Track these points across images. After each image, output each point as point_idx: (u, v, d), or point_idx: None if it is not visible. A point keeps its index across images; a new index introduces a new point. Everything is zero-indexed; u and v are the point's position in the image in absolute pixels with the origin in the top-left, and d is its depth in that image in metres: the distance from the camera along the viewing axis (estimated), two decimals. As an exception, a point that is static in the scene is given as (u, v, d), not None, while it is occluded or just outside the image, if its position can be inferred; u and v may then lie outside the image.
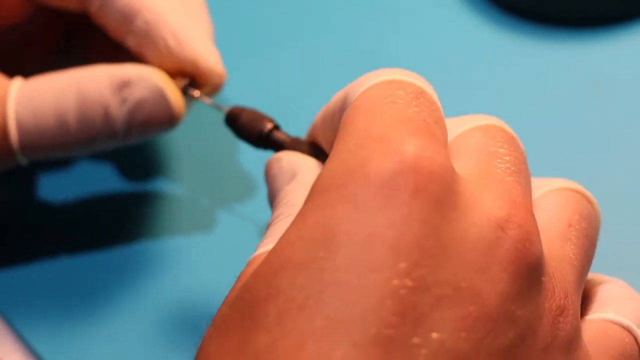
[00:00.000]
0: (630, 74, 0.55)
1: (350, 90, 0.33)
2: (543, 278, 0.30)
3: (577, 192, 0.35)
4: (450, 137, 0.33)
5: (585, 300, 0.34)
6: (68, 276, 0.51)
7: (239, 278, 0.31)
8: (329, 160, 0.30)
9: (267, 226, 0.34)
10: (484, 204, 0.29)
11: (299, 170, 0.37)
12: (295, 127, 0.55)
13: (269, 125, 0.42)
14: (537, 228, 0.30)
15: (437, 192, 0.28)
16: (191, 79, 0.45)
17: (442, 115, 0.32)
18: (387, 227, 0.28)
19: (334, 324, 0.27)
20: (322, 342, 0.26)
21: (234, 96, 0.57)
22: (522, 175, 0.32)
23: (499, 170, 0.31)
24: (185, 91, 0.45)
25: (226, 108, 0.43)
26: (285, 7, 0.61)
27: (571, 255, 0.32)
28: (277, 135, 0.42)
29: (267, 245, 0.32)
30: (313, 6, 0.60)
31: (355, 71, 0.57)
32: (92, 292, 0.50)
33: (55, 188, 0.54)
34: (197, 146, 0.55)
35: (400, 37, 0.58)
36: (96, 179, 0.54)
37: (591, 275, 0.35)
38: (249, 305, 0.28)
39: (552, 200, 0.34)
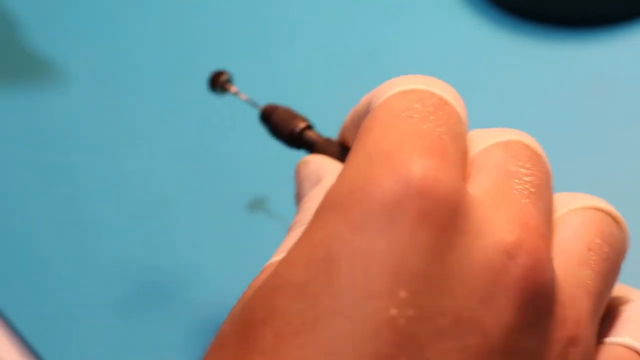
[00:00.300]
0: (630, 74, 0.55)
1: (374, 96, 0.32)
2: (553, 307, 0.29)
3: (603, 211, 0.33)
4: (474, 151, 0.32)
5: (608, 320, 0.33)
6: (68, 276, 0.51)
7: (249, 286, 0.31)
8: (339, 176, 0.29)
9: (288, 230, 0.34)
10: (494, 228, 0.28)
11: (324, 175, 0.36)
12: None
13: (301, 125, 0.41)
14: (548, 255, 0.29)
15: (443, 217, 0.27)
16: (229, 75, 0.45)
17: (464, 129, 0.31)
18: (388, 254, 0.27)
19: (327, 353, 0.26)
20: None
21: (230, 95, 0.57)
22: (541, 196, 0.31)
23: (515, 192, 0.30)
24: (223, 86, 0.45)
25: (261, 105, 0.43)
26: (285, 7, 0.61)
27: (588, 281, 0.31)
28: (309, 135, 0.41)
29: (281, 254, 0.32)
30: (313, 6, 0.60)
31: (355, 71, 0.57)
32: (92, 293, 0.50)
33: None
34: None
35: (400, 37, 0.58)
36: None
37: (621, 288, 0.34)
38: (247, 325, 0.28)
39: (574, 221, 0.32)
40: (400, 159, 0.28)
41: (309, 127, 0.41)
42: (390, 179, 0.28)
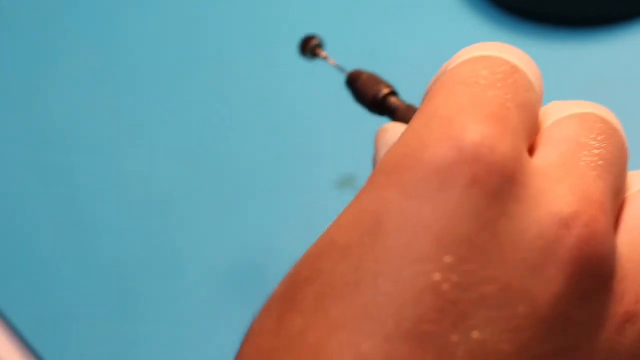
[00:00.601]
0: (630, 74, 0.55)
1: (449, 63, 0.32)
2: (611, 281, 0.28)
3: None
4: (549, 122, 0.31)
5: None
6: (68, 276, 0.51)
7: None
8: (397, 140, 0.29)
9: None
10: (553, 199, 0.28)
11: None
12: (294, 125, 0.55)
13: (385, 91, 0.40)
14: (608, 229, 0.28)
15: (496, 185, 0.27)
16: (320, 41, 0.45)
17: (535, 98, 0.31)
18: (436, 218, 0.27)
19: (367, 315, 0.26)
20: (353, 333, 0.26)
21: (234, 94, 0.57)
22: (610, 171, 0.30)
23: (582, 164, 0.29)
24: (313, 51, 0.45)
25: (348, 71, 0.42)
26: (284, 8, 0.61)
27: None
28: (392, 101, 0.39)
29: None
30: (313, 6, 0.60)
31: (355, 71, 0.57)
32: (93, 293, 0.50)
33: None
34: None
35: (400, 37, 0.58)
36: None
37: None
38: (293, 285, 0.28)
39: None
40: (457, 125, 0.28)
41: (393, 93, 0.40)
42: (444, 145, 0.27)
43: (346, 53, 0.58)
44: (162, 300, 0.49)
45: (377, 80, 0.41)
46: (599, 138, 0.30)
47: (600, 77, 0.55)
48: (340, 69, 0.42)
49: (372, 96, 0.40)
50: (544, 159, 0.29)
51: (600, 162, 0.29)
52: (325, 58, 0.44)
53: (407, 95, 0.56)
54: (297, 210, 0.52)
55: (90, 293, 0.50)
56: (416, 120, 0.29)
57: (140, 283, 0.50)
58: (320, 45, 0.45)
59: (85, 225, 0.52)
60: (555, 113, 0.31)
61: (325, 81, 0.57)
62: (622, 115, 0.55)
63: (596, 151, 0.30)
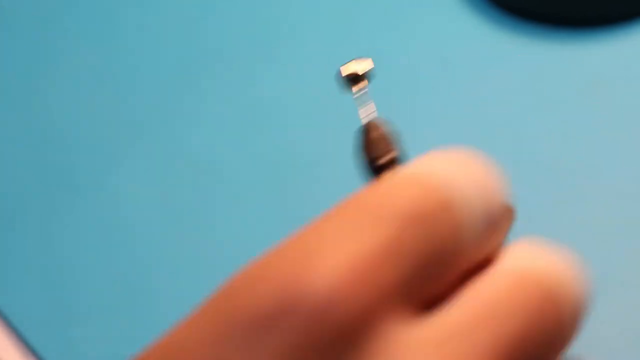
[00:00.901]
0: (630, 74, 0.55)
1: (405, 167, 0.26)
2: None
3: None
4: (492, 271, 0.25)
5: None
6: (68, 276, 0.51)
7: None
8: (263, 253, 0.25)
9: None
10: None
11: None
12: (294, 126, 0.55)
13: (387, 157, 0.36)
14: None
15: (321, 354, 0.22)
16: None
17: (457, 245, 0.24)
18: None
19: None
20: None
21: (234, 94, 0.57)
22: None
23: (478, 342, 0.23)
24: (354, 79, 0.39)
25: (371, 117, 0.37)
26: (284, 8, 0.61)
27: None
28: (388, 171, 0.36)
29: None
30: (313, 6, 0.60)
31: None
32: (93, 293, 0.50)
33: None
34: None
35: (400, 37, 0.58)
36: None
37: None
38: None
39: None
40: (307, 263, 0.22)
41: (395, 160, 0.36)
42: (274, 287, 0.22)
43: (346, 53, 0.58)
44: (162, 301, 0.49)
45: (386, 141, 0.36)
46: (527, 317, 0.23)
47: (600, 77, 0.55)
48: (364, 113, 0.38)
49: (372, 159, 0.36)
50: (438, 323, 0.23)
51: (502, 348, 0.23)
52: (360, 93, 0.39)
53: (405, 96, 0.57)
54: (297, 211, 0.52)
55: (90, 293, 0.50)
56: (294, 235, 0.24)
57: (140, 283, 0.50)
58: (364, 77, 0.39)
59: (85, 225, 0.52)
60: (504, 261, 0.25)
61: (326, 82, 0.57)
62: (622, 115, 0.55)
63: (507, 331, 0.23)
